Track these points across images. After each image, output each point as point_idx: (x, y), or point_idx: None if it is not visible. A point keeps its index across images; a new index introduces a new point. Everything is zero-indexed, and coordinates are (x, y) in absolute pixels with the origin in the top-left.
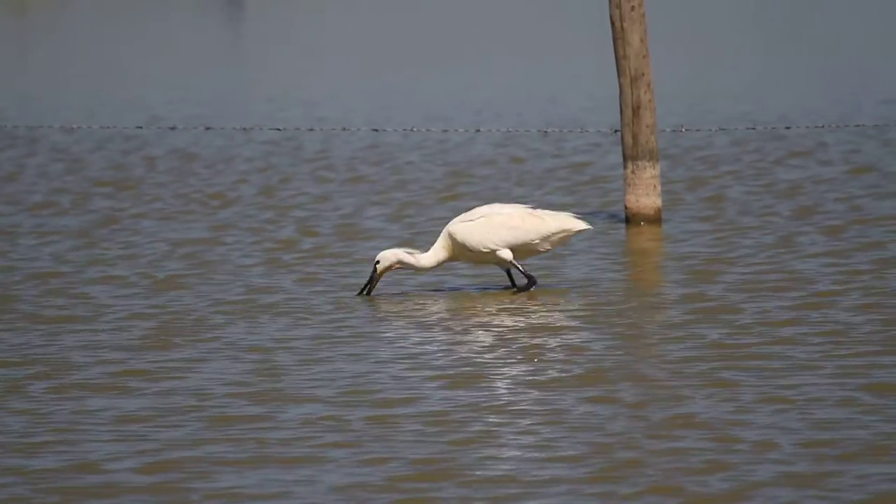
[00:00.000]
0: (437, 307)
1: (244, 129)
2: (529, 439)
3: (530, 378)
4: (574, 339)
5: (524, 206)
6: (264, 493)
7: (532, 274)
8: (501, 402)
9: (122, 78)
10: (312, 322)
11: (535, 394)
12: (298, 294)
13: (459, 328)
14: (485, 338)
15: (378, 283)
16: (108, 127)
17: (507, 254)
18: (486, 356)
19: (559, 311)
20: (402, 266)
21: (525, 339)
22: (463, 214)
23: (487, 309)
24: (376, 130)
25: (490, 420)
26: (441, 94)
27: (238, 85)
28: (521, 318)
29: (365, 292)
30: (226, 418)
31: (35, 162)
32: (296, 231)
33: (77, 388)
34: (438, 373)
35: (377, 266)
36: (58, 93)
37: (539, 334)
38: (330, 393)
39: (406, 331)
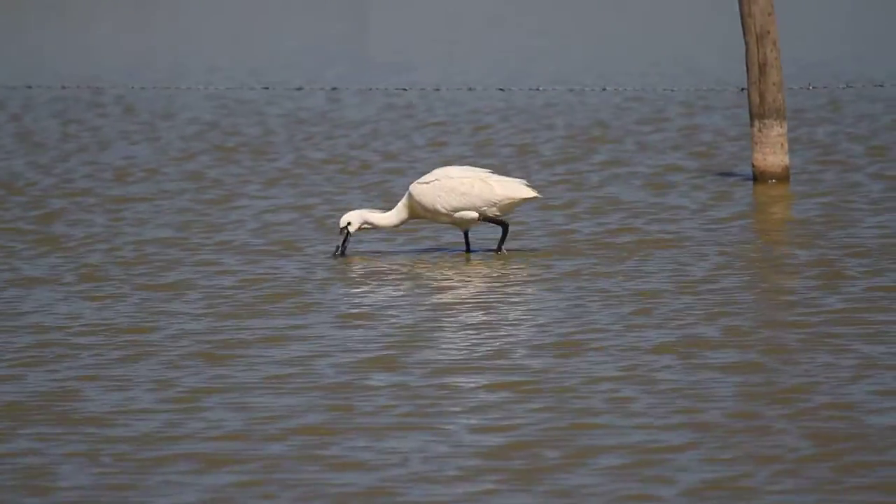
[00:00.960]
0: (554, 268)
1: (368, 89)
2: (653, 404)
3: (654, 343)
4: (699, 300)
5: (481, 170)
6: (381, 462)
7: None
8: (621, 368)
9: (244, 46)
10: (429, 287)
11: (659, 358)
12: (410, 260)
13: (574, 290)
14: (602, 301)
15: (350, 245)
16: (229, 88)
17: (470, 214)
18: (603, 321)
19: (682, 271)
20: (369, 225)
21: (646, 303)
22: (426, 175)
23: (605, 270)
24: (502, 90)
25: (610, 388)
26: (566, 55)
27: (360, 49)
28: (645, 280)
29: (339, 254)
30: (338, 386)
31: (152, 127)
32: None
33: (193, 356)
34: (559, 339)
35: (348, 228)
36: (181, 58)
37: (661, 297)
38: (450, 360)
39: (525, 294)
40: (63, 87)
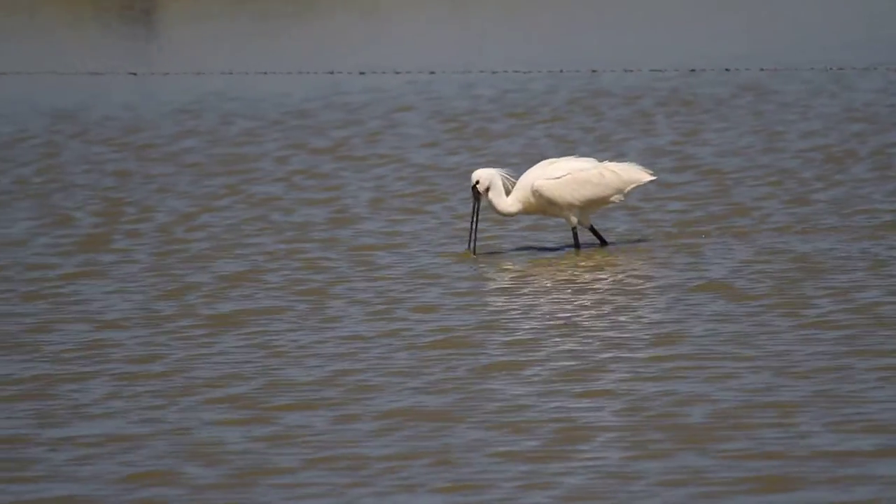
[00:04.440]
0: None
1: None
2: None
3: None
4: None
5: (590, 160)
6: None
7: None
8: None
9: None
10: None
11: None
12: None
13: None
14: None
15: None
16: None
17: (577, 215)
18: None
19: None
20: (489, 195)
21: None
22: (538, 169)
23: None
24: (763, 70)
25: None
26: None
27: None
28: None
29: (470, 249)
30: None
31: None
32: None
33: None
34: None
35: (477, 186)
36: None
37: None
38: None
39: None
40: None
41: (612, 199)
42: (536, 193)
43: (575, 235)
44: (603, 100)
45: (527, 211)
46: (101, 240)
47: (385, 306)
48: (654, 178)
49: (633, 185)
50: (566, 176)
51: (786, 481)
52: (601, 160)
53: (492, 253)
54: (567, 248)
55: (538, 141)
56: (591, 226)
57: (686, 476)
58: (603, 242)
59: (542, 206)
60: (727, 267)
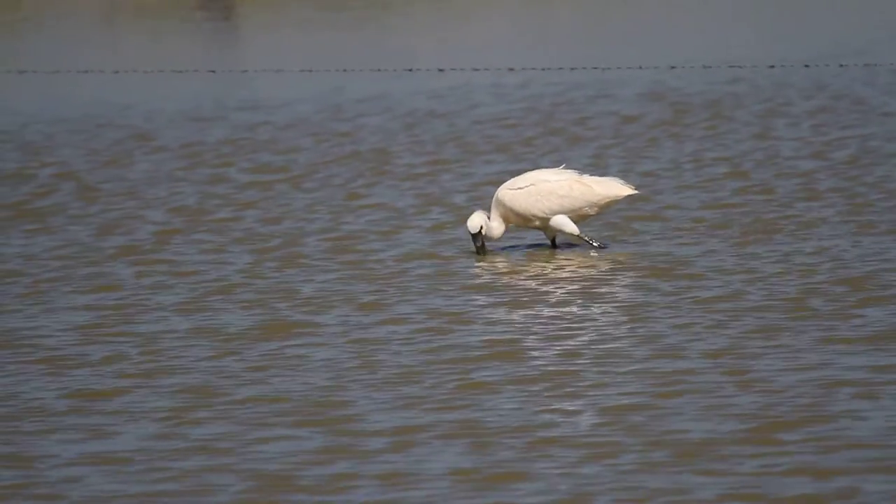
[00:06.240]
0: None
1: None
2: None
3: None
4: None
5: (571, 172)
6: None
7: (595, 244)
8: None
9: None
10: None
11: None
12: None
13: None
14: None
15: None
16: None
17: (570, 227)
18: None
19: None
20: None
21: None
22: (512, 180)
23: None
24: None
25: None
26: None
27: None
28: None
29: (480, 254)
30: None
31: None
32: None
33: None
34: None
35: (479, 232)
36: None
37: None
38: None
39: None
40: None
41: (586, 212)
42: (500, 204)
43: (554, 241)
44: (658, 103)
45: (507, 224)
46: (153, 248)
47: (422, 317)
48: (634, 192)
49: (608, 200)
50: (529, 187)
51: (807, 500)
52: (592, 173)
53: (522, 258)
54: (572, 255)
55: (564, 145)
56: (553, 238)
57: (713, 494)
58: (553, 246)
59: (515, 219)
60: (749, 277)
